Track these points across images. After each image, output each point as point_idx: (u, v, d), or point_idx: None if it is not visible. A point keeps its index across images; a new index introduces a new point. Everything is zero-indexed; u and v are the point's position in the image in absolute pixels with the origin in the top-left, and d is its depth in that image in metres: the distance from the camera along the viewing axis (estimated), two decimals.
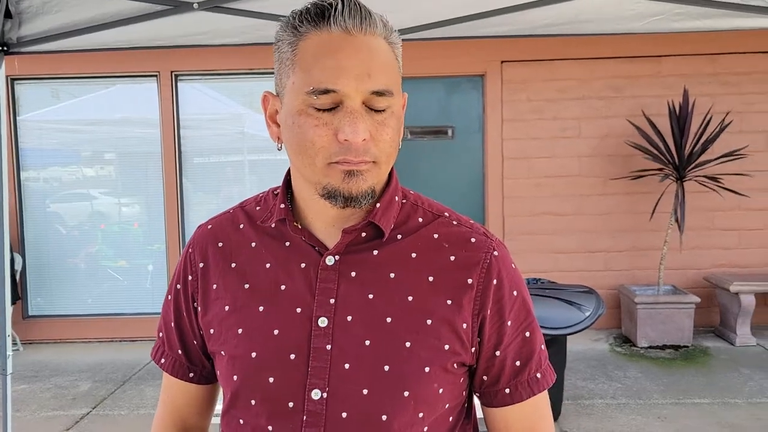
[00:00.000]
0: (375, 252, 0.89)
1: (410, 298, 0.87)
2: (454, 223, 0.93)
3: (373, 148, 0.81)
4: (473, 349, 0.89)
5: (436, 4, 2.52)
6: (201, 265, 0.95)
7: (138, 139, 5.69)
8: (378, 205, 0.88)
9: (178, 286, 0.97)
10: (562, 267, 5.44)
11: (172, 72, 5.50)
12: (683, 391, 4.08)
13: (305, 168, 0.84)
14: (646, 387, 4.17)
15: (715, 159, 5.01)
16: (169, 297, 0.99)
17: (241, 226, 0.96)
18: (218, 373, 0.94)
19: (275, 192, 0.97)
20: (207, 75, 5.63)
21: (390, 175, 0.92)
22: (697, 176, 5.06)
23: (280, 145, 0.88)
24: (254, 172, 5.82)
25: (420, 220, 0.92)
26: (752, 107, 5.38)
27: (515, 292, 0.91)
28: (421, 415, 0.86)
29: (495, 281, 0.89)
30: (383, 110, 0.81)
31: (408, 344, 0.85)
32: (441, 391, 0.87)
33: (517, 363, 0.92)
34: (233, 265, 0.93)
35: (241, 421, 0.89)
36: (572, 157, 5.47)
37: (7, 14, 2.36)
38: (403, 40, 0.89)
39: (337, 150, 0.80)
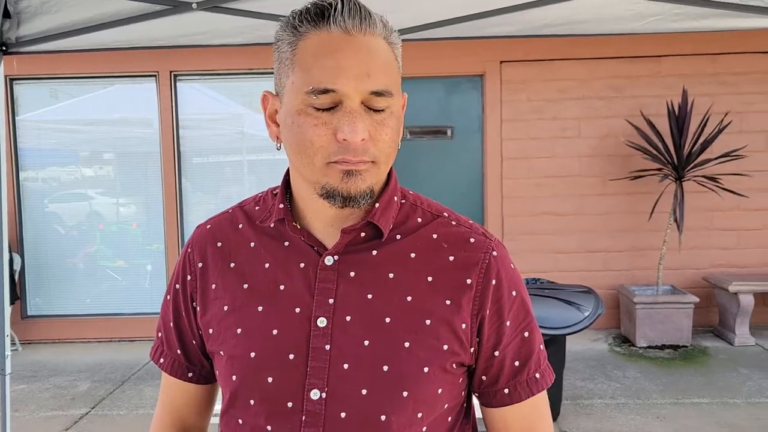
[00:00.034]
0: (374, 252, 0.89)
1: (409, 299, 0.87)
2: (453, 223, 0.93)
3: (372, 148, 0.81)
4: (472, 350, 0.89)
5: (435, 4, 2.52)
6: (200, 264, 0.95)
7: (137, 139, 5.69)
8: (377, 205, 0.88)
9: (177, 286, 0.97)
10: (562, 267, 5.44)
11: (171, 72, 5.50)
12: (682, 391, 4.09)
13: (304, 167, 0.83)
14: (645, 387, 4.17)
15: (714, 159, 5.01)
16: (168, 297, 0.99)
17: (240, 225, 0.96)
18: (217, 372, 0.94)
19: (274, 192, 0.97)
20: (206, 75, 5.62)
21: (389, 175, 0.92)
22: (696, 176, 5.06)
23: (279, 145, 0.88)
24: (253, 172, 5.82)
25: (419, 220, 0.92)
26: (751, 107, 5.39)
27: (514, 292, 0.91)
28: (419, 415, 0.86)
29: (494, 281, 0.89)
30: (382, 110, 0.81)
31: (407, 344, 0.85)
32: (440, 391, 0.87)
33: (516, 363, 0.92)
34: (232, 264, 0.93)
35: (240, 421, 0.89)
36: (572, 157, 5.47)
37: (6, 14, 2.35)
38: (402, 40, 0.89)
39: (336, 149, 0.80)
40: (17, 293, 5.38)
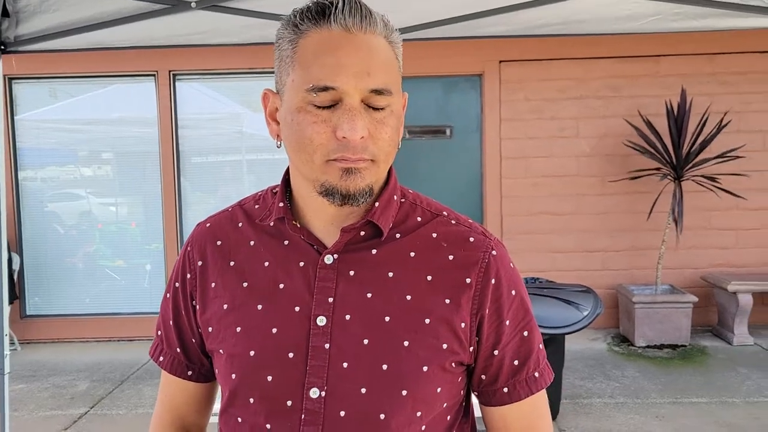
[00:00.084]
0: (374, 251, 0.89)
1: (409, 297, 0.87)
2: (453, 222, 0.93)
3: (372, 146, 0.81)
4: (471, 349, 0.90)
5: (433, 4, 2.52)
6: (200, 263, 0.95)
7: (136, 139, 5.68)
8: (377, 204, 0.89)
9: (177, 284, 0.97)
10: (560, 266, 5.45)
11: (170, 71, 5.50)
12: (681, 391, 4.09)
13: (303, 165, 0.84)
14: (643, 386, 4.18)
15: (713, 159, 5.02)
16: (168, 295, 0.99)
17: (240, 224, 0.96)
18: (216, 371, 0.94)
19: (274, 190, 0.97)
20: (205, 74, 5.62)
21: (389, 174, 0.92)
22: (694, 176, 5.06)
23: (279, 143, 0.88)
24: (252, 172, 5.82)
25: (419, 219, 0.93)
26: (750, 107, 5.39)
27: (513, 292, 0.91)
28: (419, 414, 0.86)
29: (493, 280, 0.89)
30: (382, 108, 0.82)
31: (406, 343, 0.85)
32: (439, 390, 0.88)
33: (516, 362, 0.92)
34: (232, 263, 0.93)
35: (240, 420, 0.89)
36: (570, 157, 5.47)
37: (5, 13, 2.35)
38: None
39: (335, 147, 0.80)
40: (16, 293, 5.38)
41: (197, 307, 0.95)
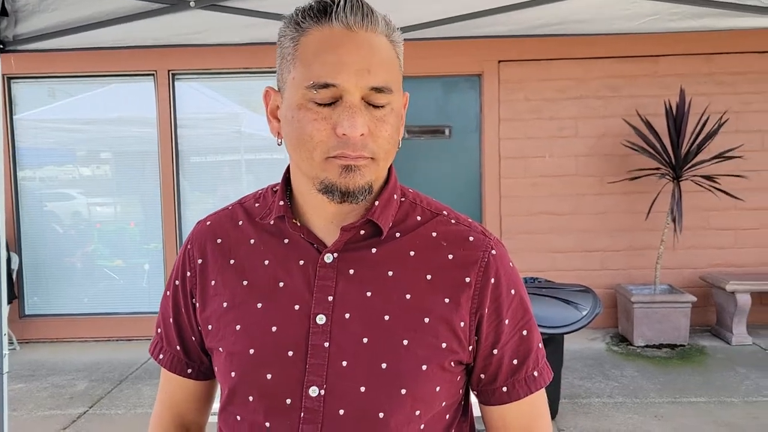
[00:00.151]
0: (373, 250, 0.89)
1: (408, 296, 0.87)
2: (453, 221, 0.94)
3: (372, 143, 0.82)
4: (470, 348, 0.90)
5: (432, 4, 2.53)
6: (199, 261, 0.95)
7: (135, 139, 5.68)
8: (377, 203, 0.89)
9: (177, 282, 0.98)
10: (559, 266, 5.45)
11: (169, 71, 5.50)
12: (680, 390, 4.09)
13: (303, 162, 0.84)
14: (642, 386, 4.18)
15: (711, 159, 5.02)
16: (168, 293, 1.00)
17: (240, 222, 0.96)
18: (216, 369, 0.94)
19: (274, 189, 0.97)
20: (204, 74, 5.62)
21: (389, 173, 0.92)
22: (693, 176, 5.07)
23: (280, 141, 0.89)
24: (251, 171, 5.82)
25: (418, 218, 0.93)
26: (748, 107, 5.40)
27: (513, 291, 0.92)
28: (417, 412, 0.86)
29: (493, 280, 0.89)
30: (382, 106, 0.82)
31: (405, 342, 0.85)
32: (438, 389, 0.88)
33: (515, 361, 0.92)
34: (232, 261, 0.93)
35: (239, 418, 0.90)
36: (569, 157, 5.48)
37: (3, 12, 2.35)
38: None
39: (335, 144, 0.80)
40: (15, 292, 5.37)
41: (197, 304, 0.95)
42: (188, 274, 0.96)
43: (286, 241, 0.91)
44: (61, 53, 2.72)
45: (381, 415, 0.84)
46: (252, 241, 0.94)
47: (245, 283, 0.91)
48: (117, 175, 5.77)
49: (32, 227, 5.67)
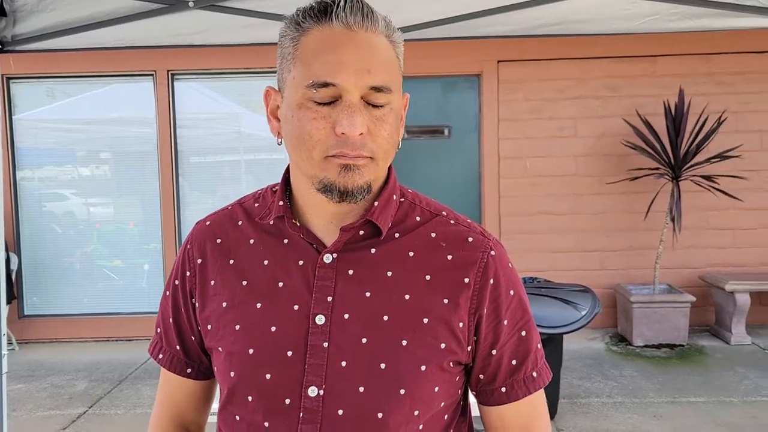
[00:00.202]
0: (372, 250, 0.89)
1: (407, 297, 0.87)
2: (452, 222, 0.94)
3: (371, 143, 0.82)
4: (469, 348, 0.90)
5: (431, 4, 2.53)
6: (199, 261, 0.96)
7: (134, 139, 5.68)
8: (376, 203, 0.89)
9: (177, 282, 0.98)
10: (559, 266, 5.45)
11: (168, 71, 5.49)
12: (679, 390, 4.10)
13: (303, 161, 0.84)
14: (641, 386, 4.18)
15: (710, 158, 5.02)
16: (167, 293, 1.00)
17: (240, 222, 0.96)
18: (215, 369, 0.94)
19: (274, 189, 0.97)
20: (204, 74, 5.62)
21: (389, 173, 0.92)
22: (692, 176, 5.07)
23: (280, 140, 0.89)
24: (250, 172, 5.82)
25: (418, 218, 0.93)
26: (747, 107, 5.40)
27: (512, 292, 0.92)
28: (416, 413, 0.86)
29: (492, 280, 0.89)
30: (382, 106, 0.82)
31: (404, 342, 0.86)
32: (437, 389, 0.88)
33: (514, 362, 0.92)
34: (231, 261, 0.93)
35: (238, 417, 0.90)
36: (568, 157, 5.48)
37: (2, 12, 2.35)
38: None
39: (334, 143, 0.80)
40: (14, 293, 5.37)
41: (196, 304, 0.95)
42: (188, 273, 0.96)
43: (285, 241, 0.91)
44: (60, 53, 2.72)
45: (380, 415, 0.84)
46: (251, 241, 0.94)
47: (245, 283, 0.91)
48: (116, 176, 5.77)
49: (31, 227, 5.67)
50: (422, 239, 0.91)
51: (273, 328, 0.87)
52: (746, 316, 5.00)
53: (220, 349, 0.91)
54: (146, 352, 1.05)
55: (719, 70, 5.39)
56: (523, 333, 0.93)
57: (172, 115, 5.56)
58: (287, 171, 0.94)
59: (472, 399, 0.97)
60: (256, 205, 0.97)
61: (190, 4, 2.35)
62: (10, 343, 5.24)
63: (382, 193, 0.90)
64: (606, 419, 3.69)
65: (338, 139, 0.80)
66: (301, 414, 0.85)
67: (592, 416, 3.73)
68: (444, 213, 0.95)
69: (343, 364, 0.85)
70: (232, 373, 0.89)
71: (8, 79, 5.51)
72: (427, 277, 0.88)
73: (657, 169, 5.12)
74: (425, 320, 0.87)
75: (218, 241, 0.96)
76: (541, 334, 1.01)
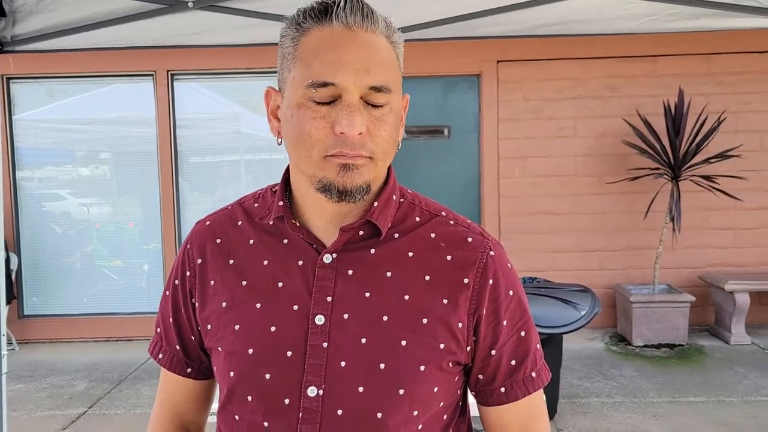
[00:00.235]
0: (372, 251, 0.89)
1: (406, 297, 0.87)
2: (451, 222, 0.94)
3: (370, 143, 0.82)
4: (468, 348, 0.90)
5: (431, 4, 2.53)
6: (199, 261, 0.96)
7: (134, 139, 5.68)
8: (376, 203, 0.89)
9: (176, 282, 0.98)
10: (558, 266, 5.45)
11: (168, 71, 5.49)
12: (678, 390, 4.10)
13: (302, 161, 0.84)
14: (641, 385, 4.19)
15: (710, 158, 5.03)
16: (167, 293, 1.00)
17: (240, 222, 0.96)
18: (215, 368, 0.94)
19: (273, 189, 0.97)
20: (203, 74, 5.62)
21: (388, 173, 0.92)
22: (692, 176, 5.07)
23: (280, 140, 0.89)
24: (250, 172, 5.82)
25: (417, 219, 0.93)
26: (747, 107, 5.40)
27: (511, 292, 0.92)
28: (415, 413, 0.86)
29: (491, 281, 0.90)
30: (381, 106, 0.82)
31: (404, 343, 0.86)
32: (436, 389, 0.88)
33: (513, 362, 0.92)
34: (231, 261, 0.94)
35: (237, 417, 0.90)
36: (568, 157, 5.48)
37: (1, 12, 2.35)
38: None
39: (333, 142, 0.81)
40: (14, 293, 5.37)
41: (196, 304, 0.95)
42: (188, 273, 0.96)
43: (285, 241, 0.92)
44: (59, 53, 2.72)
45: (379, 415, 0.85)
46: (251, 241, 0.94)
47: (244, 283, 0.91)
48: (116, 176, 5.77)
49: (31, 227, 5.67)
50: (422, 240, 0.91)
51: (272, 328, 0.88)
52: (746, 316, 5.00)
53: (219, 348, 0.91)
54: (146, 352, 1.05)
55: (719, 70, 5.40)
56: (522, 333, 0.93)
57: (172, 115, 5.56)
58: (287, 171, 0.94)
59: (471, 399, 0.97)
60: (256, 205, 0.97)
61: (190, 4, 2.35)
62: (9, 343, 5.24)
63: (381, 193, 0.90)
64: (605, 419, 3.69)
65: (337, 139, 0.80)
66: (301, 414, 0.85)
67: (592, 416, 3.73)
68: (443, 213, 0.95)
69: (343, 364, 0.85)
70: (232, 373, 0.89)
71: (8, 79, 5.51)
72: (427, 278, 0.88)
73: (657, 169, 5.12)
74: (425, 320, 0.87)
75: (218, 241, 0.96)
76: (540, 334, 1.01)
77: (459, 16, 2.61)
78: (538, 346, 0.96)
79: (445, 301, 0.88)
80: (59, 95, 5.80)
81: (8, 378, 2.38)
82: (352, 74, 0.79)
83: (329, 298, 0.87)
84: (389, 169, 0.92)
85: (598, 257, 5.52)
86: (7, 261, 5.14)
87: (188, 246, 0.98)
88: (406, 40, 0.91)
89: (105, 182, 5.78)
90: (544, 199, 5.49)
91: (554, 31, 2.72)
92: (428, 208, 0.95)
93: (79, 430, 3.71)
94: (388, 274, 0.88)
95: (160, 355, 1.02)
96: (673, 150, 5.04)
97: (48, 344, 5.49)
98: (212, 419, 1.02)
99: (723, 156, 5.03)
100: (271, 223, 0.93)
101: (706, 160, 5.02)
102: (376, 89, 0.81)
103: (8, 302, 4.92)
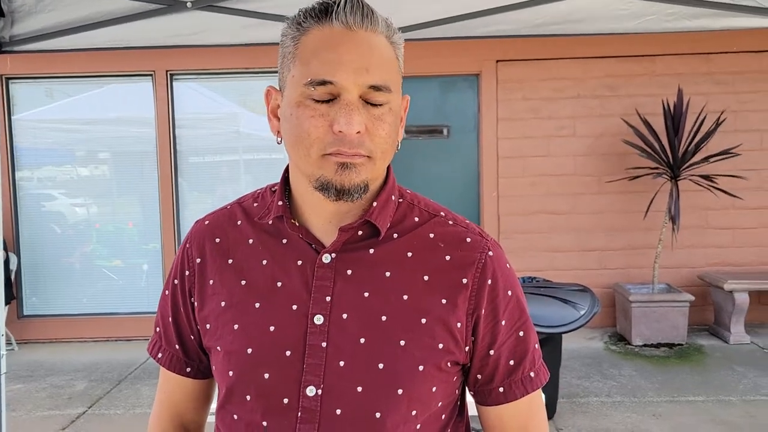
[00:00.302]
0: (371, 251, 0.89)
1: (405, 297, 0.87)
2: (450, 222, 0.94)
3: (368, 142, 0.82)
4: (467, 348, 0.90)
5: (432, 4, 2.53)
6: (198, 260, 0.96)
7: (133, 139, 5.68)
8: (375, 203, 0.89)
9: (176, 281, 0.98)
10: (557, 265, 5.46)
11: (167, 71, 5.49)
12: (678, 389, 4.10)
13: (301, 160, 0.84)
14: (640, 385, 4.19)
15: (709, 158, 5.03)
16: (167, 292, 1.00)
17: (239, 222, 0.96)
18: (214, 368, 0.94)
19: (273, 189, 0.97)
20: (202, 74, 5.62)
21: (387, 173, 0.92)
22: (691, 175, 5.07)
23: (279, 139, 0.89)
24: (249, 172, 5.82)
25: (416, 219, 0.93)
26: (746, 106, 5.40)
27: (509, 292, 0.92)
28: (414, 412, 0.87)
29: (489, 281, 0.90)
30: (380, 105, 0.82)
31: (402, 343, 0.86)
32: (434, 389, 0.88)
33: (511, 362, 0.92)
34: (230, 261, 0.94)
35: (236, 417, 0.90)
36: (567, 156, 5.48)
37: (0, 13, 2.35)
38: None
39: (331, 141, 0.81)
40: (13, 293, 5.37)
41: (195, 303, 0.95)
42: (187, 273, 0.96)
43: (284, 241, 0.92)
44: (59, 53, 2.73)
45: (378, 415, 0.85)
46: (250, 240, 0.94)
47: (243, 282, 0.91)
48: (115, 176, 5.77)
49: (31, 227, 5.67)
50: (421, 240, 0.91)
51: (271, 328, 0.88)
52: (745, 316, 5.01)
53: (218, 348, 0.91)
54: (145, 352, 1.05)
55: (718, 70, 5.40)
56: (521, 333, 0.93)
57: (171, 115, 5.56)
58: (286, 170, 0.94)
59: (469, 398, 0.97)
60: (255, 204, 0.97)
61: (189, 4, 2.35)
62: (9, 343, 5.24)
63: (380, 193, 0.90)
64: (605, 418, 3.69)
65: (336, 137, 0.80)
66: (300, 414, 0.85)
67: (591, 415, 3.74)
68: (442, 213, 0.95)
69: (342, 363, 0.85)
70: (231, 373, 0.89)
71: (7, 79, 5.51)
72: (426, 278, 0.89)
73: (656, 168, 5.13)
74: (423, 320, 0.87)
75: (217, 240, 0.96)
76: (539, 333, 1.01)
77: (458, 15, 2.61)
78: (536, 345, 0.96)
79: (443, 301, 0.88)
80: (58, 95, 5.80)
81: (8, 378, 2.38)
82: (352, 73, 0.80)
83: (328, 298, 0.87)
84: (388, 169, 0.92)
85: (598, 257, 5.52)
86: (7, 261, 5.14)
87: (187, 245, 0.98)
88: (406, 40, 0.91)
89: (104, 182, 5.78)
90: (544, 198, 5.50)
91: (553, 31, 2.72)
92: (427, 208, 0.95)
93: (79, 430, 3.71)
94: (387, 274, 0.88)
95: (160, 355, 1.02)
96: (672, 149, 5.04)
97: (47, 344, 5.49)
98: (211, 419, 1.02)
99: (722, 155, 5.03)
100: (270, 222, 0.93)
101: (706, 160, 5.02)
102: (376, 88, 0.81)
103: (8, 302, 4.92)
